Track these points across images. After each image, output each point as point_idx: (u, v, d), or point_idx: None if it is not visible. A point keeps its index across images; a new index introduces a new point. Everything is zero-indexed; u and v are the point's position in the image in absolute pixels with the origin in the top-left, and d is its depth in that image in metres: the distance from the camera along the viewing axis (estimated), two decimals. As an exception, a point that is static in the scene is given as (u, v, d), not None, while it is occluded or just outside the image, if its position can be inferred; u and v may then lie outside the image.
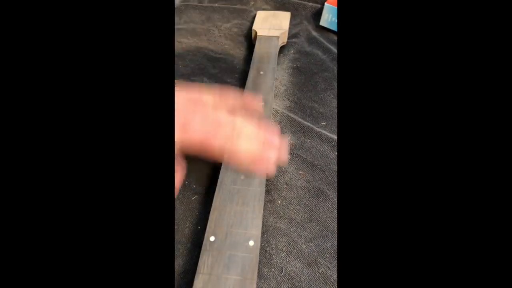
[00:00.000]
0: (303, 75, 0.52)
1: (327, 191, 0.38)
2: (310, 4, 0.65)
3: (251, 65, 0.47)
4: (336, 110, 0.47)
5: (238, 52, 0.56)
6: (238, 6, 0.67)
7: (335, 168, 0.40)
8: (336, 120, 0.45)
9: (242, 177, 0.33)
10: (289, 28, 0.58)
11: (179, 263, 0.32)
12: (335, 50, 0.56)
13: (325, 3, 0.59)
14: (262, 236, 0.33)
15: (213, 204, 0.31)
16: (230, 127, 0.29)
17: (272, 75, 0.45)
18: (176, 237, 0.34)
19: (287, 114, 0.46)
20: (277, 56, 0.50)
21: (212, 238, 0.29)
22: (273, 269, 0.32)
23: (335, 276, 0.31)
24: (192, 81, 0.50)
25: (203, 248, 0.28)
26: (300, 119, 0.45)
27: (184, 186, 0.38)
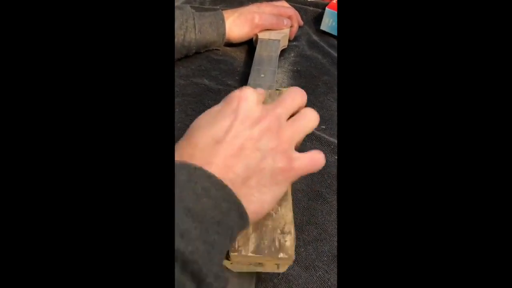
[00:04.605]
0: (303, 78, 0.52)
1: (326, 194, 0.38)
2: (311, 8, 0.65)
3: (252, 68, 0.47)
4: (335, 113, 0.47)
5: (239, 55, 0.56)
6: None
7: (334, 171, 0.40)
8: (335, 124, 0.45)
9: None
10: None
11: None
12: (335, 54, 0.56)
13: (326, 8, 0.59)
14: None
15: None
16: None
17: (272, 77, 0.45)
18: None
19: (286, 117, 0.46)
20: (277, 59, 0.50)
21: None
22: (270, 272, 0.32)
23: (332, 280, 0.31)
24: (193, 82, 0.50)
25: None
26: (299, 122, 0.45)
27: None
